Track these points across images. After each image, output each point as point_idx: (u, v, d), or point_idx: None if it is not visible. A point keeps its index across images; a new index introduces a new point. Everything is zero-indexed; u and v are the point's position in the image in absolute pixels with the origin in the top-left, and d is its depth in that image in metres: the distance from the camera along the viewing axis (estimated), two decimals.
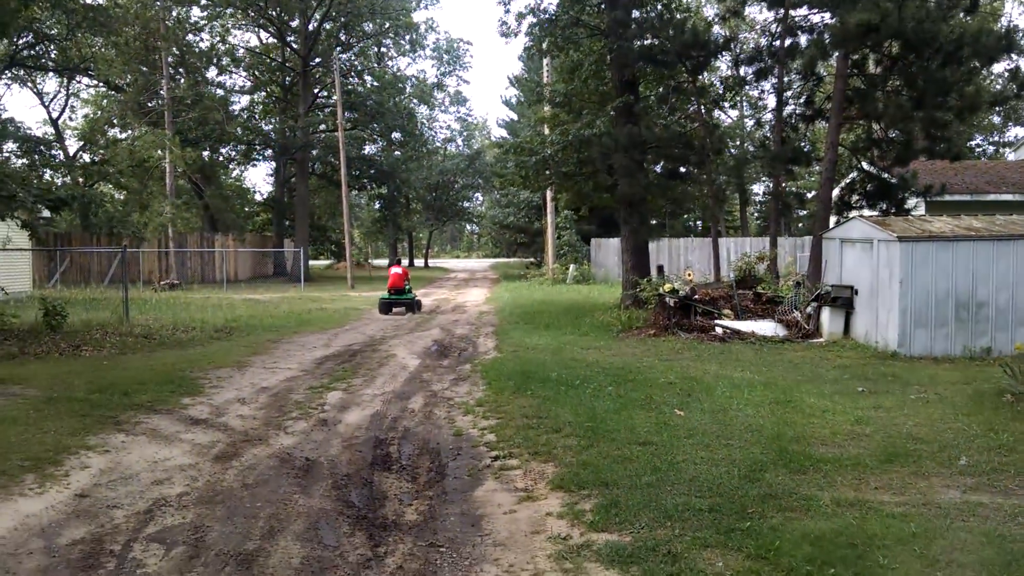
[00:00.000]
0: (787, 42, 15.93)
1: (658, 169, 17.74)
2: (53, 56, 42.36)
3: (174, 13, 35.77)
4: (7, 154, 38.24)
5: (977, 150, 41.23)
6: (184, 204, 37.98)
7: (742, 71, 17.09)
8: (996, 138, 43.86)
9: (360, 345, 14.80)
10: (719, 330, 14.51)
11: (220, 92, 43.09)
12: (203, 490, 6.21)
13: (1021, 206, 20.77)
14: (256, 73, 46.16)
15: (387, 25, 45.94)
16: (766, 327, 14.49)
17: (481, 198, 79.77)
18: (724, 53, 16.37)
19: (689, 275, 15.11)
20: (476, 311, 22.38)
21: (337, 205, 56.85)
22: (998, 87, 16.27)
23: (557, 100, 19.65)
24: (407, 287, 21.95)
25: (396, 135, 51.20)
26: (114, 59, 34.22)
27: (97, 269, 37.94)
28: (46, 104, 52.89)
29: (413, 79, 52.53)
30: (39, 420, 8.19)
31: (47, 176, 35.63)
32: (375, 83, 47.77)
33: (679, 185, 17.06)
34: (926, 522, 5.14)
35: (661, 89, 18.35)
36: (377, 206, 69.00)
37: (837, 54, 15.88)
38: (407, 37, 47.94)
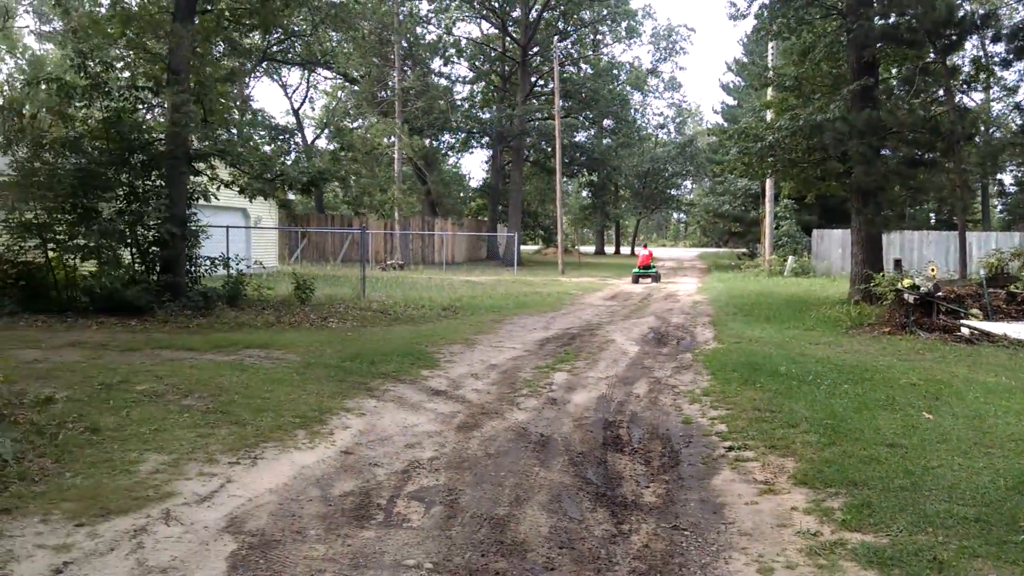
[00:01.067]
0: None
1: (895, 156, 16.49)
2: (298, 51, 46.39)
3: (405, 7, 37.88)
4: (256, 141, 42.39)
5: None
6: (408, 189, 40.34)
7: (998, 50, 15.51)
8: None
9: (578, 329, 15.08)
10: (965, 331, 13.36)
11: (444, 82, 45.17)
12: (451, 456, 6.63)
13: None
14: (476, 63, 47.97)
15: (604, 12, 46.07)
16: (1022, 330, 13.16)
17: (691, 186, 78.27)
18: (981, 31, 14.93)
19: (932, 270, 13.98)
20: (689, 300, 22.05)
21: (547, 192, 57.99)
22: None
23: (786, 84, 18.84)
24: (652, 264, 30.56)
25: (607, 122, 51.36)
26: (351, 53, 36.84)
27: (330, 248, 41.24)
28: (289, 95, 58.01)
29: (628, 66, 52.36)
30: (302, 383, 9.08)
31: (290, 159, 39.32)
32: (590, 71, 48.13)
33: (922, 173, 15.81)
34: None
35: (903, 71, 17.05)
36: (585, 193, 69.63)
37: None
38: (624, 24, 47.82)
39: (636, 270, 30.36)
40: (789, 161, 18.67)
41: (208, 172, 15.89)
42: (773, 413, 8.02)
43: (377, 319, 15.28)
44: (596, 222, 64.63)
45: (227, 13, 15.99)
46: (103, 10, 16.22)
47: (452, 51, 44.06)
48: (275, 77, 51.93)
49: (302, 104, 65.52)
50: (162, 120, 16.22)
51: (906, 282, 13.78)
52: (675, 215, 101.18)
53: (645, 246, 33.14)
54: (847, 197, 19.49)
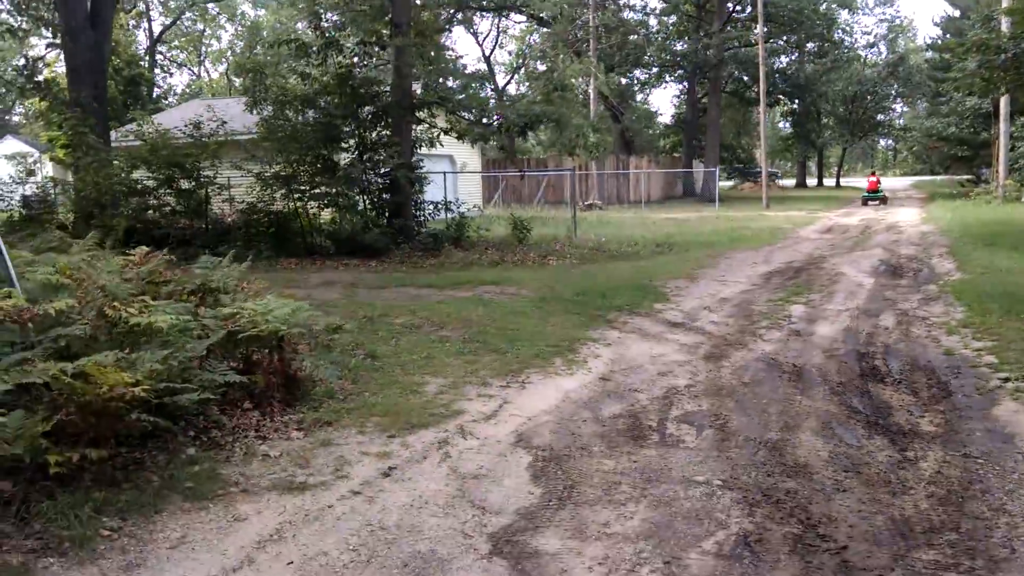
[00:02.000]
0: None
1: None
2: None
3: None
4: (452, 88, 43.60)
5: None
6: (605, 128, 40.06)
7: None
8: None
9: (800, 262, 14.59)
10: None
11: (636, 16, 44.14)
12: (706, 384, 6.73)
13: None
14: None
15: None
16: None
17: (899, 110, 72.12)
18: None
19: None
20: (915, 231, 20.64)
21: (744, 124, 55.70)
22: None
23: None
24: (880, 189, 33.80)
25: (811, 45, 48.23)
26: None
27: (526, 191, 41.98)
28: (480, 42, 58.97)
29: None
30: (543, 315, 9.48)
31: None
32: None
33: None
34: None
35: None
36: (782, 124, 66.19)
37: None
38: None
39: (865, 194, 34.06)
40: None
41: (428, 120, 16.64)
42: None
43: (594, 256, 15.54)
44: (798, 153, 61.35)
45: None
46: None
47: None
48: (467, 25, 52.87)
49: (492, 50, 66.43)
50: (379, 75, 17.06)
51: None
52: (882, 142, 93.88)
53: (873, 173, 36.75)
54: None
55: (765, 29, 42.56)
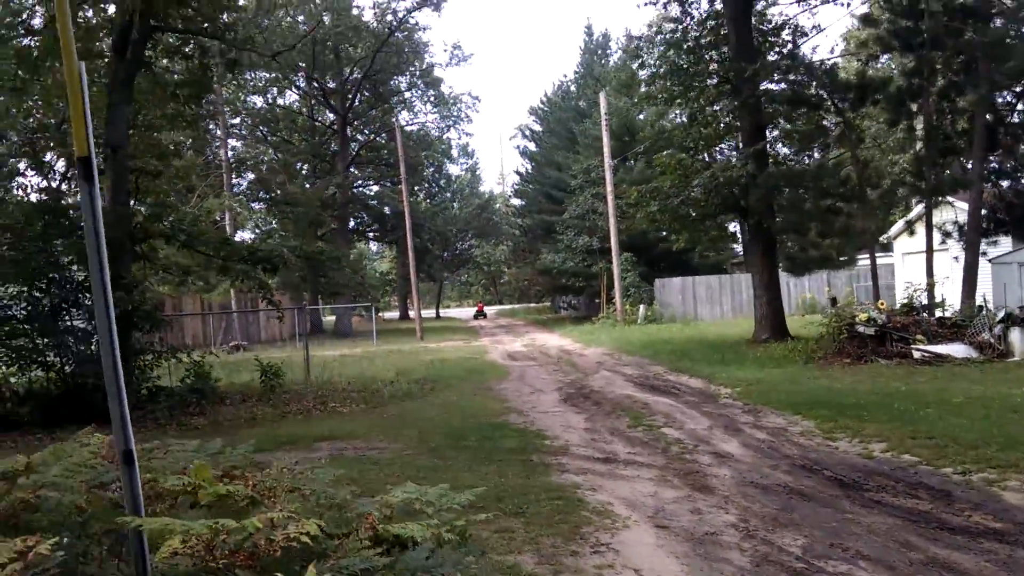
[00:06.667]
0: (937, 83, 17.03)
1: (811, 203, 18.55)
2: None
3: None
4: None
5: None
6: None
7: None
8: None
9: (572, 388, 15.05)
10: (916, 354, 15.15)
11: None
12: (750, 515, 6.54)
13: None
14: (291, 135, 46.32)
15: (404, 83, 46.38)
16: (958, 349, 15.18)
17: (475, 247, 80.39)
18: (879, 94, 17.29)
19: (882, 303, 15.83)
20: (598, 353, 22.59)
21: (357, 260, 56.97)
22: None
23: (687, 144, 20.48)
24: (483, 311, 53.33)
25: (417, 187, 51.79)
26: None
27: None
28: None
29: (421, 131, 52.99)
30: (469, 466, 8.43)
31: None
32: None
33: (836, 218, 17.93)
34: None
35: (798, 130, 19.20)
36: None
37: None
38: (430, 92, 48.70)
39: (476, 313, 54.38)
40: (697, 216, 20.28)
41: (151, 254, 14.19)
42: (930, 439, 8.64)
43: (373, 399, 14.32)
44: (400, 287, 64.55)
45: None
46: None
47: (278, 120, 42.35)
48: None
49: None
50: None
51: (863, 316, 15.44)
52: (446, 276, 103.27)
53: (479, 302, 44.51)
54: (750, 244, 21.10)
55: (368, 171, 44.67)
